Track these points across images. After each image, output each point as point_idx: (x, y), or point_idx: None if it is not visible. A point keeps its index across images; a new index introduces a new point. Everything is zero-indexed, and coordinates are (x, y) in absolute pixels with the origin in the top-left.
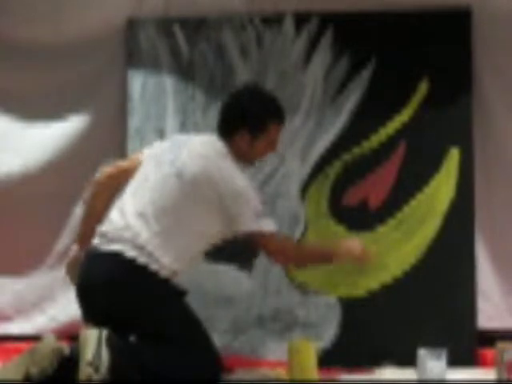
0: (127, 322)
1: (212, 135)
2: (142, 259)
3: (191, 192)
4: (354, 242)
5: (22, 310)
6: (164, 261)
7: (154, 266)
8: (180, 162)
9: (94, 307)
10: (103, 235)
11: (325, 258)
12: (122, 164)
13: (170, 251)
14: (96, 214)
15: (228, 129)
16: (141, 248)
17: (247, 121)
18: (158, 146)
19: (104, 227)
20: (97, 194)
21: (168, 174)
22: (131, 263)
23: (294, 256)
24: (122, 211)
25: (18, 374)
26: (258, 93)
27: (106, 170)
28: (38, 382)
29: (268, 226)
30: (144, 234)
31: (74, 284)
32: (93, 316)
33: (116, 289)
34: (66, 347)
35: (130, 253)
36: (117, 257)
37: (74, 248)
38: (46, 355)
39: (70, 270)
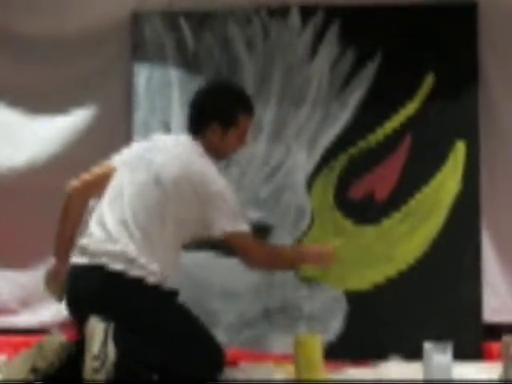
0: (125, 329)
1: (183, 135)
2: (128, 269)
3: (170, 196)
4: (323, 247)
5: (28, 303)
6: (151, 267)
7: (141, 274)
8: (156, 167)
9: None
10: (85, 249)
11: (294, 261)
12: (93, 173)
13: (154, 257)
14: (71, 225)
15: (199, 125)
16: (126, 258)
17: (217, 114)
18: (128, 151)
19: (85, 241)
20: (70, 205)
21: (145, 181)
22: (118, 276)
23: (267, 259)
24: (102, 222)
25: (24, 368)
26: (226, 87)
27: (75, 182)
28: (44, 376)
29: (243, 227)
30: (127, 243)
31: (55, 298)
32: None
33: (107, 304)
34: (72, 343)
35: (116, 265)
36: (103, 270)
37: (52, 262)
38: (54, 351)
39: (49, 284)
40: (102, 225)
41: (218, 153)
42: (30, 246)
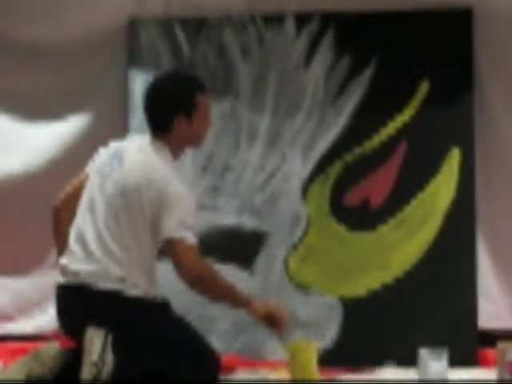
0: (120, 343)
1: (147, 137)
2: (114, 287)
3: (136, 206)
4: (278, 309)
5: (24, 309)
6: (135, 281)
7: (128, 292)
8: (120, 178)
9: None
10: (67, 270)
11: (237, 301)
12: (73, 184)
13: (136, 270)
14: (63, 239)
15: (163, 122)
16: (110, 276)
17: (177, 106)
18: (100, 157)
19: (66, 260)
20: (59, 221)
21: (112, 192)
22: (105, 294)
23: (206, 278)
24: (81, 239)
25: (20, 376)
26: (170, 77)
27: (60, 197)
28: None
29: (190, 238)
30: (108, 261)
31: None
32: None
33: (100, 322)
34: (69, 352)
35: (102, 284)
36: (88, 290)
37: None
38: (50, 358)
39: None
40: (81, 242)
41: (190, 143)
42: (27, 252)
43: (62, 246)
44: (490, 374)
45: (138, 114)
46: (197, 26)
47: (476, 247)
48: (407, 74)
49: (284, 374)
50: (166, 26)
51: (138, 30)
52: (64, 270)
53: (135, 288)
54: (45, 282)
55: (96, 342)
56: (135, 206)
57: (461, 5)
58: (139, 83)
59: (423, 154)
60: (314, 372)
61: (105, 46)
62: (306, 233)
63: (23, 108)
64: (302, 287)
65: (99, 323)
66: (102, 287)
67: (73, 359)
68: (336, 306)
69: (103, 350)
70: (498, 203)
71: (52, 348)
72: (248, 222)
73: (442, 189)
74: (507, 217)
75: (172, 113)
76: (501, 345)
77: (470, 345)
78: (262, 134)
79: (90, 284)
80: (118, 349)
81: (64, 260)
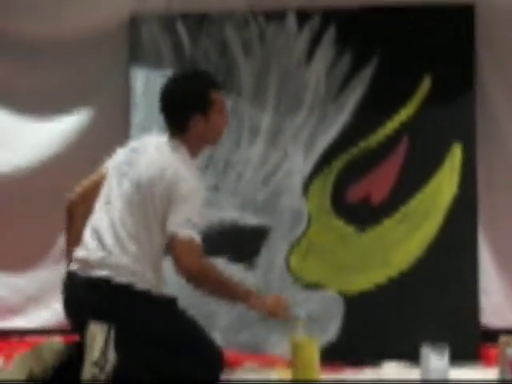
0: (125, 337)
1: (165, 138)
2: (123, 280)
3: (149, 201)
4: (278, 299)
5: (26, 304)
6: (147, 277)
7: (139, 286)
8: (137, 176)
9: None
10: (81, 260)
11: (236, 296)
12: (91, 180)
13: (147, 266)
14: (76, 234)
15: (180, 122)
16: (124, 271)
17: (193, 105)
18: (117, 157)
19: (80, 252)
20: (73, 215)
21: (129, 190)
22: (115, 287)
23: (203, 275)
24: (96, 233)
25: (21, 374)
26: (184, 76)
27: (76, 191)
28: (41, 380)
29: (192, 235)
30: (122, 255)
31: None
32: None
33: (108, 315)
34: (70, 348)
35: (112, 276)
36: (99, 282)
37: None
38: (51, 356)
39: None
40: (97, 235)
41: (207, 140)
42: (29, 247)
43: (73, 240)
44: (491, 370)
45: (139, 111)
46: (198, 22)
47: (478, 243)
48: (409, 70)
49: (286, 372)
50: (168, 22)
51: (139, 26)
52: (77, 260)
53: (145, 282)
54: (46, 277)
55: (98, 339)
56: (148, 202)
57: (463, 1)
58: (141, 80)
59: (425, 150)
60: (316, 367)
61: (106, 43)
62: (307, 229)
63: (25, 105)
64: (304, 283)
65: (106, 314)
66: (112, 279)
67: (75, 354)
68: (337, 301)
69: (105, 348)
70: (500, 199)
71: (53, 344)
72: (250, 219)
73: (444, 185)
74: (509, 213)
75: (188, 112)
76: (503, 339)
77: (471, 341)
78: (263, 131)
79: (101, 275)
80: (122, 341)
81: (78, 251)
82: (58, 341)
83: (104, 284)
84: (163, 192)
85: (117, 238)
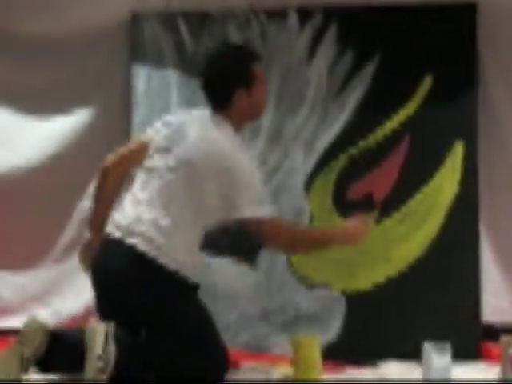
0: (138, 314)
1: (208, 113)
2: (153, 253)
3: (196, 181)
4: (354, 223)
5: (26, 303)
6: (176, 256)
7: (164, 260)
8: (183, 151)
9: (106, 297)
10: (116, 225)
11: (324, 241)
12: (127, 148)
13: (180, 244)
14: (106, 200)
15: (223, 98)
16: (154, 243)
17: (237, 79)
18: (160, 130)
19: (117, 216)
20: (105, 180)
21: (172, 165)
22: (143, 257)
23: (286, 244)
24: (134, 202)
25: (15, 362)
26: (224, 51)
27: (112, 156)
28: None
29: (266, 212)
30: (156, 228)
31: (87, 272)
32: (105, 306)
33: (128, 282)
34: (48, 323)
35: (143, 246)
36: (130, 250)
37: (87, 235)
38: (35, 334)
39: (83, 258)
40: (135, 205)
41: (251, 114)
42: (29, 246)
43: (101, 205)
44: (493, 368)
45: (140, 109)
46: (200, 20)
47: (479, 241)
48: (410, 68)
49: (287, 370)
50: (169, 21)
51: (140, 24)
52: (115, 227)
53: (171, 260)
54: (47, 276)
55: (99, 335)
56: (195, 183)
57: (465, 0)
58: (142, 79)
59: (426, 149)
60: (317, 366)
61: (107, 42)
62: (309, 227)
63: (25, 104)
64: (306, 281)
65: (126, 281)
66: (138, 248)
67: (56, 331)
68: (339, 299)
69: (106, 343)
70: (501, 197)
71: (33, 324)
72: None
73: (446, 183)
74: (510, 212)
75: (232, 87)
76: (504, 339)
77: (473, 339)
78: (264, 129)
79: (130, 242)
80: (134, 314)
81: (116, 217)
82: (35, 320)
83: (130, 251)
84: (218, 177)
85: (155, 213)
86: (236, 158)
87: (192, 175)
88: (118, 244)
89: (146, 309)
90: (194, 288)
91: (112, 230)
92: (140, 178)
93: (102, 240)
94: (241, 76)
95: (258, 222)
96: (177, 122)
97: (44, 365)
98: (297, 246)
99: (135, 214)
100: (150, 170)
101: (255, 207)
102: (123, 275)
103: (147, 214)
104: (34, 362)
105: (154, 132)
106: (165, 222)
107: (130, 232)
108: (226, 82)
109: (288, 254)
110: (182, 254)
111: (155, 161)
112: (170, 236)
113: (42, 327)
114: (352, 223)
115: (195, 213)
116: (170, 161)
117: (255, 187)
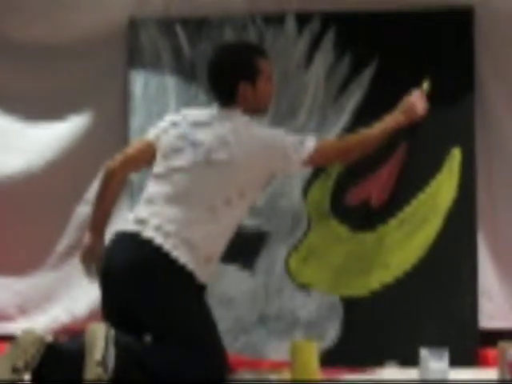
0: (142, 308)
1: (216, 109)
2: (167, 246)
3: (226, 175)
4: (409, 100)
5: (24, 309)
6: (197, 247)
7: (175, 254)
8: (204, 147)
9: (114, 290)
10: (134, 221)
11: (387, 134)
12: (133, 148)
13: (202, 243)
14: (108, 201)
15: (229, 91)
16: (168, 235)
17: (241, 72)
18: (166, 129)
19: (134, 214)
20: (110, 181)
21: (195, 162)
22: (157, 250)
23: (357, 149)
24: (150, 200)
25: (5, 370)
26: (230, 46)
27: (118, 156)
28: (27, 373)
29: (310, 145)
30: (176, 223)
31: (90, 275)
32: (113, 300)
33: (138, 273)
34: (47, 336)
35: (158, 240)
36: (145, 243)
37: (87, 236)
38: (30, 346)
39: (85, 260)
40: (153, 202)
41: (257, 108)
42: (27, 252)
43: (104, 206)
44: (490, 373)
45: (138, 115)
46: (197, 25)
47: (477, 247)
48: (408, 73)
49: (285, 374)
50: (167, 26)
51: (138, 30)
52: (132, 222)
53: (187, 259)
54: (46, 282)
55: (99, 340)
56: (224, 177)
57: (462, 4)
58: (139, 84)
59: (424, 154)
60: (315, 372)
61: (105, 47)
62: (306, 233)
63: (23, 108)
64: (303, 287)
65: (140, 276)
66: (156, 243)
67: (54, 344)
68: (337, 305)
69: (106, 348)
70: (499, 203)
71: (29, 337)
72: (249, 222)
73: (443, 188)
74: (508, 217)
75: (236, 80)
76: (502, 344)
77: (471, 345)
78: None
79: (148, 239)
80: (137, 306)
81: (133, 214)
82: (33, 331)
83: (146, 243)
84: (261, 159)
85: (177, 209)
86: (267, 134)
87: (221, 169)
88: (134, 237)
89: (151, 303)
90: (202, 288)
91: (129, 224)
92: (157, 176)
93: (115, 234)
94: (245, 70)
95: (311, 159)
96: (186, 120)
97: (39, 377)
98: (364, 148)
99: (154, 210)
100: (167, 169)
101: (300, 149)
102: (134, 266)
103: (169, 211)
104: (28, 373)
105: (161, 132)
106: (188, 218)
107: (148, 226)
108: (230, 76)
109: (363, 155)
110: (201, 251)
111: (172, 160)
112: (192, 230)
113: (38, 339)
114: (407, 99)
115: (223, 211)
116: (191, 157)
117: (287, 139)
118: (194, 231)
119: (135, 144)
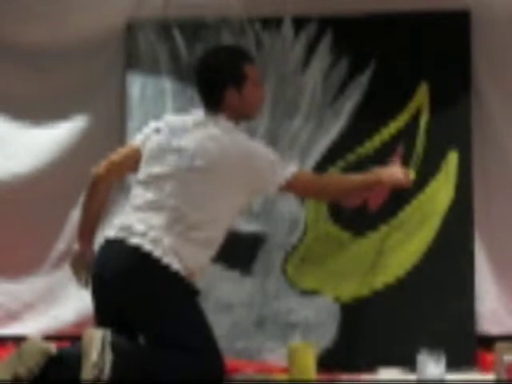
0: (138, 315)
1: (201, 115)
2: (158, 253)
3: (207, 181)
4: (395, 167)
5: (22, 311)
6: (182, 257)
7: (166, 260)
8: (187, 153)
9: (107, 298)
10: (119, 227)
11: (366, 185)
12: (118, 155)
13: (190, 248)
14: (96, 209)
15: (215, 96)
16: (157, 242)
17: (227, 78)
18: (149, 135)
19: (118, 220)
20: (96, 188)
21: (177, 168)
22: (147, 257)
23: (333, 189)
24: (136, 207)
25: (6, 376)
26: (217, 50)
27: (103, 163)
28: (27, 381)
29: (291, 169)
30: (161, 230)
31: (81, 283)
32: (105, 307)
33: (131, 281)
34: (52, 346)
35: (147, 246)
36: (134, 250)
37: (76, 246)
38: (33, 355)
39: (75, 267)
40: (137, 210)
41: (244, 114)
42: (25, 253)
43: (91, 213)
44: (487, 376)
45: (135, 117)
46: (195, 28)
47: (474, 250)
48: (405, 77)
49: (283, 378)
50: (164, 29)
51: (135, 33)
52: (119, 229)
53: (179, 265)
54: (43, 284)
55: (95, 343)
56: (206, 182)
57: (458, 7)
58: (137, 87)
59: (421, 157)
60: (313, 374)
61: (102, 49)
62: (304, 235)
63: (21, 111)
64: (300, 290)
65: (133, 284)
66: (146, 249)
67: (56, 355)
68: (334, 308)
69: (103, 350)
70: (496, 206)
71: (34, 345)
72: (246, 226)
73: (440, 191)
74: (505, 219)
75: (222, 85)
76: (499, 345)
77: (468, 348)
78: (259, 137)
79: (137, 245)
80: (134, 316)
81: (118, 220)
82: (39, 340)
83: (135, 250)
84: (241, 169)
85: (163, 215)
86: (249, 145)
87: (203, 175)
88: (122, 244)
89: (145, 309)
90: (196, 293)
91: (114, 231)
92: (141, 183)
93: (104, 242)
94: (231, 75)
95: (288, 185)
96: (169, 126)
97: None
98: (339, 192)
99: (139, 217)
100: (151, 176)
101: (280, 174)
102: (126, 274)
103: (154, 218)
104: (29, 380)
105: (145, 138)
106: (175, 225)
107: (134, 232)
108: (216, 81)
109: (335, 199)
110: (190, 257)
111: (156, 166)
112: (178, 237)
113: (42, 350)
114: (393, 168)
115: (213, 214)
116: (174, 163)
117: (271, 158)
118: (177, 241)
119: (122, 150)
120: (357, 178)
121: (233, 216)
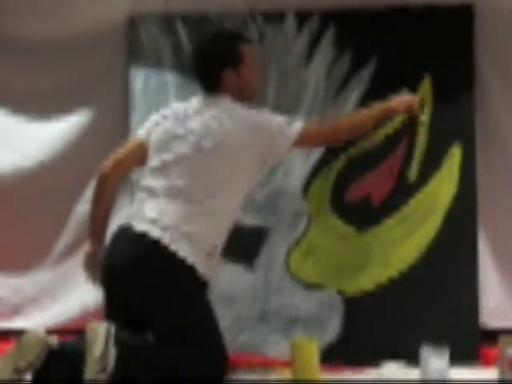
0: (145, 305)
1: (201, 98)
2: (166, 240)
3: (219, 160)
4: (406, 96)
5: (25, 306)
6: (200, 236)
7: (174, 247)
8: (193, 136)
9: (116, 288)
10: (131, 216)
11: (378, 115)
12: (122, 151)
13: (207, 224)
14: (105, 207)
15: (213, 78)
16: (166, 229)
17: (224, 58)
18: (150, 129)
19: (130, 210)
20: (103, 187)
21: (188, 153)
22: (155, 244)
23: (346, 129)
24: (146, 196)
25: (6, 370)
26: (214, 34)
27: (109, 161)
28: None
29: (298, 125)
30: (174, 216)
31: (94, 280)
32: (114, 299)
33: (138, 268)
34: (52, 338)
35: (155, 233)
36: (141, 237)
37: (88, 243)
38: (33, 348)
39: (88, 267)
40: (148, 199)
41: (242, 95)
42: (28, 248)
43: (101, 209)
44: (491, 371)
45: (138, 112)
46: (197, 22)
47: (477, 244)
48: (408, 71)
49: (286, 372)
50: (167, 23)
51: (138, 27)
52: (130, 218)
53: (189, 253)
54: (46, 278)
55: (99, 338)
56: (216, 164)
57: (462, 1)
58: (140, 80)
59: (424, 151)
60: (315, 368)
61: (105, 44)
62: (306, 229)
63: (24, 106)
64: (303, 283)
65: (142, 272)
66: (155, 237)
67: (59, 348)
68: (337, 302)
69: (106, 345)
70: (500, 200)
71: (34, 338)
72: (249, 219)
73: (444, 186)
74: (508, 214)
75: (220, 66)
76: (503, 339)
77: (471, 342)
78: None
79: (146, 233)
80: (142, 306)
81: (132, 210)
82: (39, 333)
83: (143, 237)
84: (245, 147)
85: (175, 202)
86: (251, 116)
87: (211, 157)
88: (130, 231)
89: (154, 299)
90: (205, 285)
91: (127, 221)
92: (151, 170)
93: (116, 231)
94: (228, 55)
95: (300, 139)
96: (174, 113)
97: (41, 378)
98: (354, 129)
99: (151, 204)
100: (162, 163)
101: (290, 131)
102: (134, 261)
103: (168, 204)
104: (30, 373)
105: (152, 125)
106: (187, 211)
107: (144, 219)
108: (213, 62)
109: (353, 137)
110: (211, 233)
111: (165, 153)
112: (193, 219)
113: (42, 342)
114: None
115: (222, 200)
116: (184, 149)
117: (279, 119)
118: (192, 224)
119: (128, 144)
120: (367, 111)
121: (250, 184)
